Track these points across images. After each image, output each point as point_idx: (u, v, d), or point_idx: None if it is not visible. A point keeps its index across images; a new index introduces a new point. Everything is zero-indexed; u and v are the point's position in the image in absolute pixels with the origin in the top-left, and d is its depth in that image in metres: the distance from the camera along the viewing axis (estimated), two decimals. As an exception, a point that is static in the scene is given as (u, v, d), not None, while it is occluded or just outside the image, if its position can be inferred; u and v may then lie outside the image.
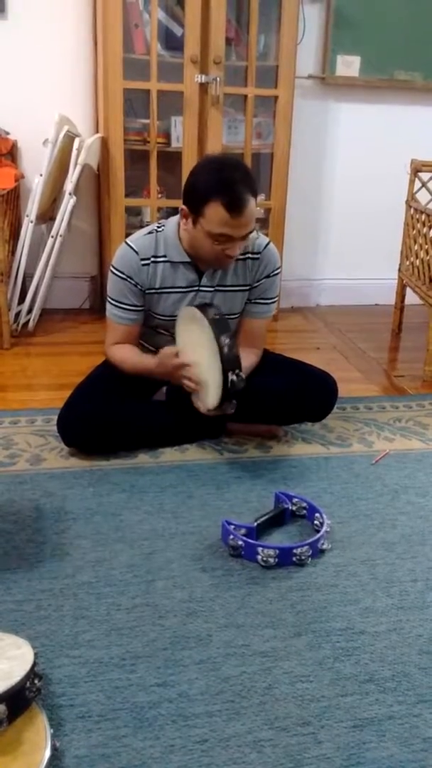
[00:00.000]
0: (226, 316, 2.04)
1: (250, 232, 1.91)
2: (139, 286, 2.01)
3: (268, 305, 2.14)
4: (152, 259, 1.99)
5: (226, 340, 1.82)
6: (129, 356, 2.09)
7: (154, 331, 2.15)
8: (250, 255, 2.04)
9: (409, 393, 2.66)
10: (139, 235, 2.04)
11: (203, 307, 1.90)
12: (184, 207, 1.90)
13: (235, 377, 1.82)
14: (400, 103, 3.58)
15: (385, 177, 3.58)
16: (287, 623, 1.43)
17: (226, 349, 1.81)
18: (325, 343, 3.23)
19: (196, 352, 1.92)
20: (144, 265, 1.99)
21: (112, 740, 1.15)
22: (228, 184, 1.81)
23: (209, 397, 1.90)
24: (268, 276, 2.08)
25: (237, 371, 1.83)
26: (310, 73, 3.43)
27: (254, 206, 1.86)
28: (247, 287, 2.08)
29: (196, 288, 2.04)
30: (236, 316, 2.12)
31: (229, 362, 1.81)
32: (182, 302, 2.05)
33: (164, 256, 2.00)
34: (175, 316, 2.06)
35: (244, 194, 1.82)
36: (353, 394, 2.58)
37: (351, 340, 3.26)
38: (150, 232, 2.02)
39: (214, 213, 1.83)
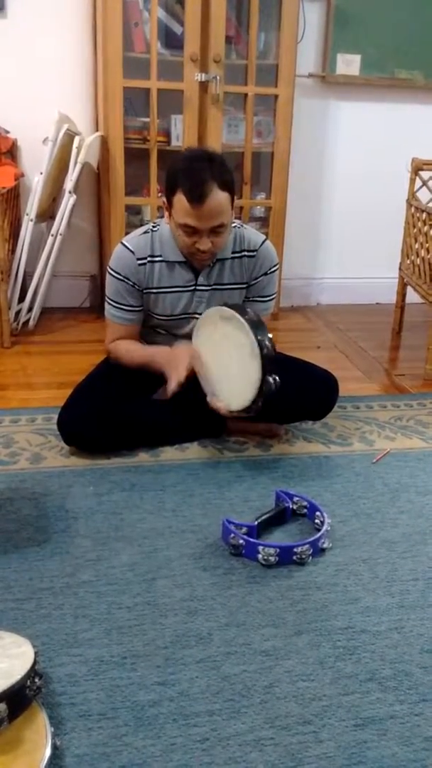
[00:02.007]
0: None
1: (220, 226, 1.87)
2: (136, 287, 2.01)
3: (266, 303, 2.13)
4: (149, 258, 1.99)
5: (266, 341, 1.82)
6: (130, 347, 2.08)
7: (153, 330, 2.15)
8: (246, 253, 2.04)
9: (409, 392, 2.66)
10: (134, 235, 2.03)
11: (239, 307, 1.90)
12: (164, 200, 1.91)
13: (272, 379, 1.82)
14: (401, 101, 3.58)
15: (385, 176, 3.58)
16: (288, 622, 1.43)
17: (266, 350, 1.81)
18: (326, 341, 3.23)
19: (225, 353, 1.92)
20: (141, 265, 1.99)
21: (113, 739, 1.15)
22: (192, 173, 1.80)
23: (236, 399, 1.89)
24: (265, 273, 2.08)
25: (275, 375, 1.82)
26: (310, 71, 3.43)
27: (222, 199, 1.83)
28: (244, 285, 2.08)
29: (193, 287, 2.04)
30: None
31: (269, 364, 1.81)
32: (180, 301, 2.04)
33: (160, 256, 2.00)
34: (174, 315, 2.06)
35: (208, 184, 1.79)
36: (354, 393, 2.58)
37: (352, 339, 3.26)
38: (145, 232, 2.02)
39: (179, 202, 1.83)
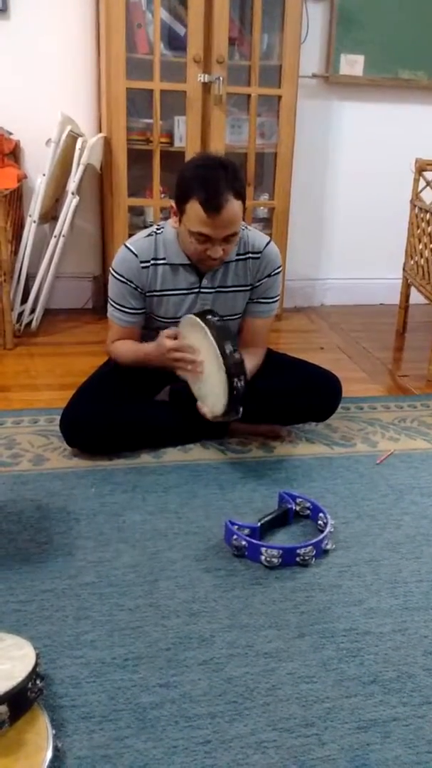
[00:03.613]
0: (228, 317, 2.03)
1: (233, 235, 1.87)
2: (139, 289, 2.01)
3: (269, 305, 2.13)
4: (152, 261, 1.99)
5: (229, 346, 1.81)
6: (127, 348, 2.08)
7: (156, 333, 2.14)
8: (250, 254, 2.03)
9: (413, 393, 2.65)
10: (138, 237, 2.03)
11: (203, 315, 1.89)
12: (173, 205, 1.90)
13: (239, 383, 1.81)
14: (405, 102, 3.57)
15: (389, 176, 3.57)
16: (291, 624, 1.42)
17: (229, 356, 1.80)
18: (329, 342, 3.22)
19: (204, 357, 1.91)
20: (144, 267, 1.98)
21: (115, 741, 1.14)
22: (208, 182, 1.79)
23: (216, 404, 1.89)
24: (269, 275, 2.07)
25: (241, 377, 1.82)
26: (313, 72, 3.42)
27: (237, 208, 1.82)
28: (248, 287, 2.07)
29: (197, 290, 2.03)
30: (238, 316, 2.11)
31: (234, 369, 1.80)
32: (183, 304, 2.04)
33: (164, 259, 1.99)
34: (177, 318, 2.05)
35: (224, 194, 1.78)
36: (357, 394, 2.57)
37: (355, 340, 3.25)
38: (149, 235, 2.01)
39: (193, 211, 1.82)
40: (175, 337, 1.95)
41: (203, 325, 1.85)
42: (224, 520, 1.69)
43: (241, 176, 1.89)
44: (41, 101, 3.16)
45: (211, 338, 1.82)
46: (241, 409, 1.88)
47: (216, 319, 1.87)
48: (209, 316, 1.88)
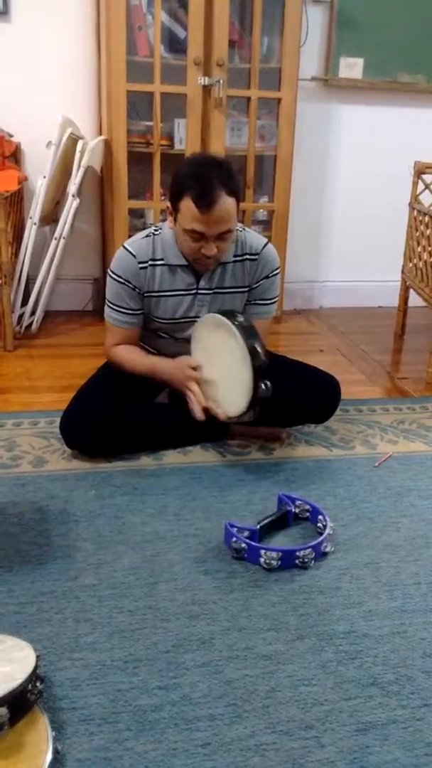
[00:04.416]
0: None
1: (227, 233, 1.88)
2: (137, 290, 2.01)
3: (268, 306, 2.13)
4: (150, 262, 1.99)
5: (257, 347, 1.81)
6: (132, 356, 2.09)
7: (154, 334, 2.15)
8: (248, 256, 2.04)
9: (412, 395, 2.66)
10: (136, 238, 2.04)
11: (230, 314, 1.90)
12: (169, 205, 1.91)
13: (264, 386, 1.82)
14: (404, 105, 3.58)
15: (388, 179, 3.58)
16: (290, 626, 1.42)
17: (256, 359, 1.81)
18: (328, 345, 3.23)
19: (219, 359, 1.92)
20: (142, 268, 1.99)
21: (114, 743, 1.15)
22: (201, 179, 1.80)
23: (235, 405, 1.89)
24: (267, 277, 2.07)
25: (266, 381, 1.82)
26: (313, 75, 3.43)
27: (230, 205, 1.83)
28: (246, 288, 2.08)
29: (195, 291, 2.04)
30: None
31: (261, 370, 1.81)
32: (181, 305, 2.04)
33: (162, 260, 2.00)
34: (175, 319, 2.06)
35: (216, 190, 1.80)
36: (356, 396, 2.58)
37: (354, 343, 3.26)
38: (147, 236, 2.02)
39: (186, 208, 1.83)
40: (195, 368, 1.98)
41: (230, 324, 1.85)
42: (224, 523, 1.69)
43: (236, 175, 1.90)
44: (42, 103, 3.17)
45: (240, 339, 1.82)
46: (258, 411, 1.89)
47: (243, 319, 1.88)
48: (238, 316, 1.89)
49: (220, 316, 1.90)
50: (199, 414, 1.94)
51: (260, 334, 2.13)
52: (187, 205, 1.82)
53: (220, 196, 1.80)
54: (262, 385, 1.82)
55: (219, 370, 1.94)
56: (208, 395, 1.98)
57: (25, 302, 3.16)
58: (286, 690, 1.27)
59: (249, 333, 1.84)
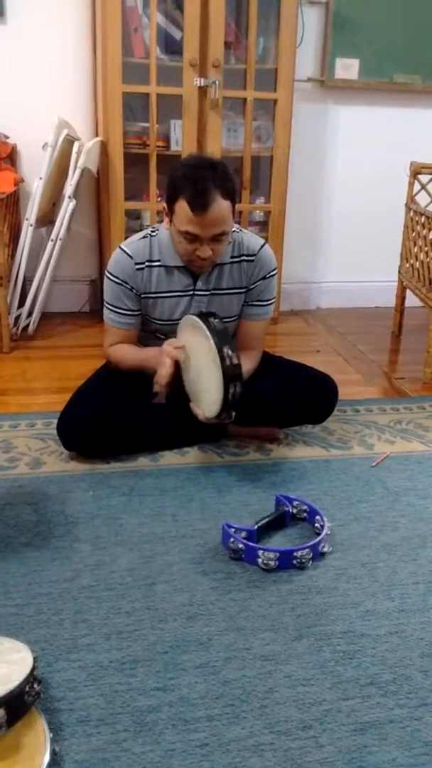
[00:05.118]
0: (224, 320, 2.04)
1: (222, 235, 1.88)
2: (134, 291, 2.01)
3: (265, 307, 2.13)
4: (147, 263, 1.99)
5: (228, 351, 1.81)
6: (128, 351, 2.09)
7: (152, 335, 2.15)
8: (245, 257, 2.04)
9: (409, 395, 2.66)
10: (133, 239, 2.04)
11: (204, 316, 1.89)
12: (164, 206, 1.91)
13: (235, 390, 1.81)
14: (400, 105, 3.59)
15: (384, 179, 3.58)
16: (288, 626, 1.42)
17: (227, 361, 1.80)
18: (326, 345, 3.23)
19: (199, 361, 1.92)
20: (138, 269, 1.99)
21: (112, 744, 1.15)
22: (195, 181, 1.80)
23: (209, 407, 1.89)
24: (264, 278, 2.07)
25: (237, 383, 1.82)
26: (309, 76, 3.43)
27: (224, 207, 1.83)
28: (243, 290, 2.08)
29: (192, 292, 2.04)
30: (234, 318, 2.12)
31: (231, 375, 1.80)
32: (178, 306, 2.04)
33: (158, 261, 2.00)
34: (173, 320, 2.05)
35: (211, 192, 1.79)
36: (353, 397, 2.58)
37: (351, 343, 3.26)
38: (144, 237, 2.02)
39: (181, 210, 1.83)
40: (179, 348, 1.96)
41: (204, 327, 1.85)
42: (221, 523, 1.69)
43: (232, 177, 1.89)
44: (38, 105, 3.17)
45: (212, 341, 1.82)
46: (234, 414, 1.88)
47: (217, 321, 1.87)
48: (211, 319, 1.88)
49: (195, 318, 1.89)
50: (156, 388, 1.94)
51: (256, 336, 2.15)
52: (182, 207, 1.82)
53: (215, 199, 1.80)
54: (233, 390, 1.81)
55: (198, 371, 1.94)
56: (192, 395, 1.98)
57: (21, 304, 3.16)
58: (284, 690, 1.27)
59: (221, 335, 1.83)
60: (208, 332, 1.83)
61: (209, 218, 1.81)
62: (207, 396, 1.90)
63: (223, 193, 1.81)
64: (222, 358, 1.80)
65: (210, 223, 1.83)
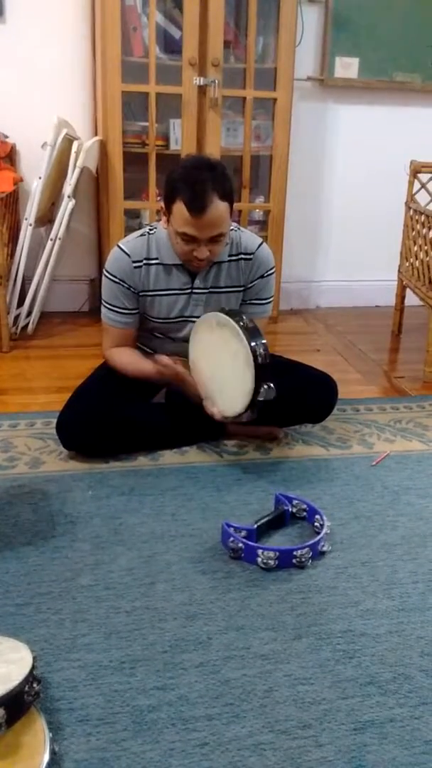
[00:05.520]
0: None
1: (219, 236, 1.88)
2: (132, 289, 2.01)
3: (263, 306, 2.13)
4: (144, 261, 1.99)
5: (261, 349, 1.80)
6: (129, 361, 2.09)
7: (150, 334, 2.15)
8: (243, 255, 2.04)
9: (409, 394, 2.66)
10: (130, 238, 2.04)
11: (234, 314, 1.89)
12: (162, 205, 1.91)
13: (267, 387, 1.81)
14: (399, 104, 3.59)
15: (384, 178, 3.58)
16: (287, 626, 1.42)
17: (260, 359, 1.80)
18: (325, 344, 3.23)
19: (219, 359, 1.91)
20: (136, 267, 1.99)
21: (112, 744, 1.14)
22: (194, 183, 1.80)
23: (232, 405, 1.89)
24: (261, 276, 2.07)
25: (269, 383, 1.81)
26: (308, 75, 3.43)
27: (222, 209, 1.83)
28: (241, 288, 2.08)
29: (190, 290, 2.04)
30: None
31: (263, 372, 1.80)
32: (176, 304, 2.04)
33: (156, 259, 2.00)
34: (170, 318, 2.06)
35: (209, 195, 1.79)
36: (353, 396, 2.58)
37: (351, 342, 3.26)
38: (142, 235, 2.02)
39: (179, 211, 1.83)
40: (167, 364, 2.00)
41: (235, 325, 1.84)
42: (221, 522, 1.69)
43: (230, 178, 1.89)
44: (37, 104, 3.16)
45: (244, 339, 1.81)
46: (256, 413, 1.88)
47: (247, 320, 1.87)
48: (241, 315, 1.88)
49: (224, 315, 1.89)
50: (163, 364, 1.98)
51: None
52: (180, 208, 1.82)
53: (213, 201, 1.80)
54: (264, 387, 1.81)
55: (217, 370, 1.93)
56: (204, 394, 1.98)
57: (21, 303, 3.16)
58: (284, 689, 1.27)
59: (253, 334, 1.83)
60: (239, 330, 1.83)
61: (207, 220, 1.81)
62: (229, 395, 1.89)
63: (221, 195, 1.81)
64: (255, 356, 1.79)
65: (207, 225, 1.83)
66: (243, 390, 1.84)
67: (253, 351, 1.80)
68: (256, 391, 1.82)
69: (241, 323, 1.85)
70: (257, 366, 1.80)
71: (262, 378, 1.81)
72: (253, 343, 1.81)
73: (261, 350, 1.81)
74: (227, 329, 1.88)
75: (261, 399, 1.83)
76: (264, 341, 1.84)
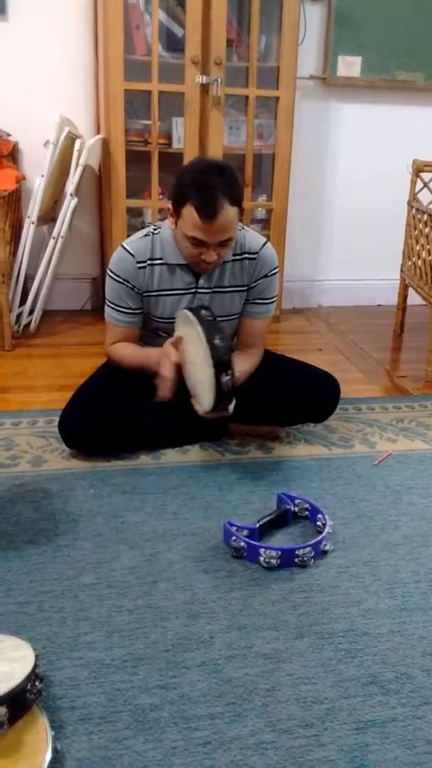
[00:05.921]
0: (225, 317, 2.04)
1: (228, 240, 1.88)
2: (136, 289, 2.01)
3: (266, 305, 2.13)
4: (149, 261, 1.99)
5: (217, 341, 1.79)
6: (130, 351, 2.08)
7: (154, 333, 2.14)
8: (247, 255, 2.04)
9: (411, 393, 2.66)
10: (134, 238, 2.03)
11: (195, 310, 1.89)
12: (170, 206, 1.91)
13: (225, 378, 1.80)
14: (402, 103, 3.58)
15: (386, 177, 3.57)
16: (290, 625, 1.42)
17: (215, 351, 1.78)
18: (327, 344, 3.23)
19: (196, 355, 1.91)
20: (140, 267, 1.99)
21: (114, 742, 1.15)
22: (204, 188, 1.79)
23: (205, 400, 1.89)
24: (265, 276, 2.07)
25: (228, 372, 1.80)
26: (311, 73, 3.43)
27: (232, 215, 1.82)
28: (245, 288, 2.08)
29: (194, 290, 2.03)
30: (235, 316, 2.11)
31: (219, 364, 1.78)
32: (180, 304, 2.04)
33: (161, 259, 1.99)
34: (174, 318, 2.05)
35: (219, 201, 1.79)
36: (355, 395, 2.57)
37: (353, 341, 3.26)
38: (146, 235, 2.01)
39: (188, 216, 1.82)
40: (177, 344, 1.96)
41: (194, 318, 1.84)
42: (223, 521, 1.69)
43: (239, 182, 1.89)
44: (39, 103, 3.16)
45: (201, 332, 1.81)
46: (231, 407, 1.86)
47: (207, 314, 1.87)
48: (202, 311, 1.88)
49: (187, 312, 1.89)
50: (160, 393, 1.94)
51: (257, 334, 2.14)
52: (190, 213, 1.81)
53: (223, 207, 1.80)
54: (224, 379, 1.79)
55: (195, 366, 1.93)
56: (192, 391, 1.97)
57: (23, 302, 3.16)
58: (286, 688, 1.27)
59: (211, 327, 1.82)
60: (197, 323, 1.82)
61: (217, 226, 1.81)
62: (202, 390, 1.89)
63: (231, 200, 1.81)
64: (210, 348, 1.78)
65: (217, 230, 1.83)
66: (210, 384, 1.82)
67: (210, 342, 1.78)
68: (217, 383, 1.79)
69: (200, 317, 1.83)
70: (213, 357, 1.77)
71: (221, 370, 1.78)
72: (210, 335, 1.79)
73: (217, 341, 1.78)
74: (191, 324, 1.86)
75: (224, 391, 1.81)
76: (222, 332, 1.82)
